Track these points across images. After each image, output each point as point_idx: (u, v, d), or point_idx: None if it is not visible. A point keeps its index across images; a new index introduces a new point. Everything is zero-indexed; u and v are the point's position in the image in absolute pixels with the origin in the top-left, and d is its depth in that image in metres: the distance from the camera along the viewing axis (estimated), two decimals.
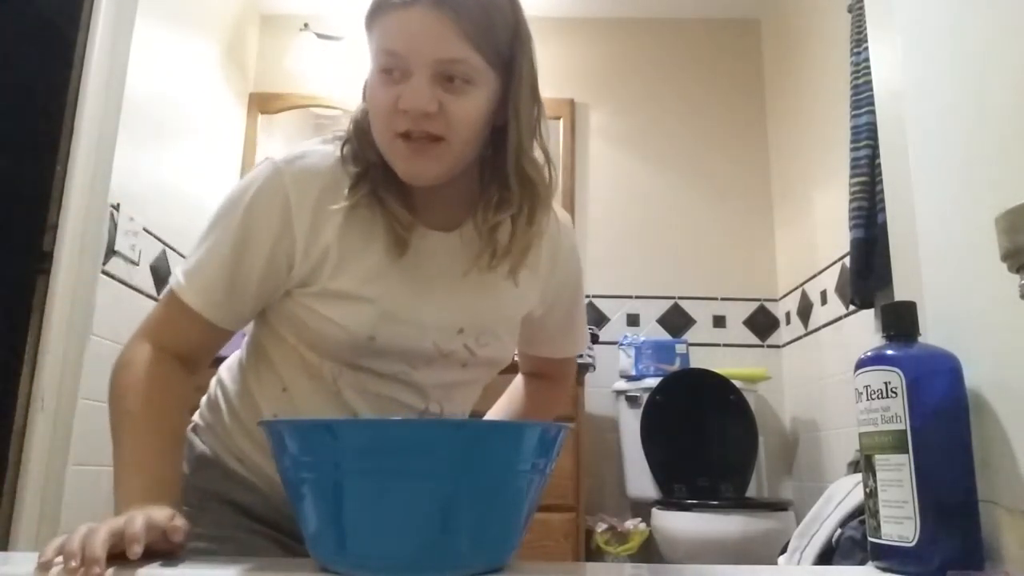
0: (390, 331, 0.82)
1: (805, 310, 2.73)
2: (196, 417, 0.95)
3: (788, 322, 2.92)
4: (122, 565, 0.58)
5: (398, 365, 0.85)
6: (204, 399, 0.96)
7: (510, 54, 0.83)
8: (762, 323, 3.01)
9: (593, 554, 2.42)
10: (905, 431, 0.64)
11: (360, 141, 0.84)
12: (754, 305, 3.03)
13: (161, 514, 0.63)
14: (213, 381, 0.96)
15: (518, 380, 1.13)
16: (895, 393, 0.65)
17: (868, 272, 1.95)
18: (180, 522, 0.64)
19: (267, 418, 0.84)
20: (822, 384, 2.58)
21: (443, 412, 0.90)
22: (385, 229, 0.82)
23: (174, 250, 2.33)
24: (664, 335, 2.95)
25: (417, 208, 0.84)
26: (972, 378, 0.68)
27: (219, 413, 0.91)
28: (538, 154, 0.85)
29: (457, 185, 0.85)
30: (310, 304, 0.82)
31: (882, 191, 1.39)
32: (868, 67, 1.87)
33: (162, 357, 0.80)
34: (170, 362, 0.80)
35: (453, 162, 0.80)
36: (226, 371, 0.94)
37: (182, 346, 0.82)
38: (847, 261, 2.11)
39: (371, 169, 0.82)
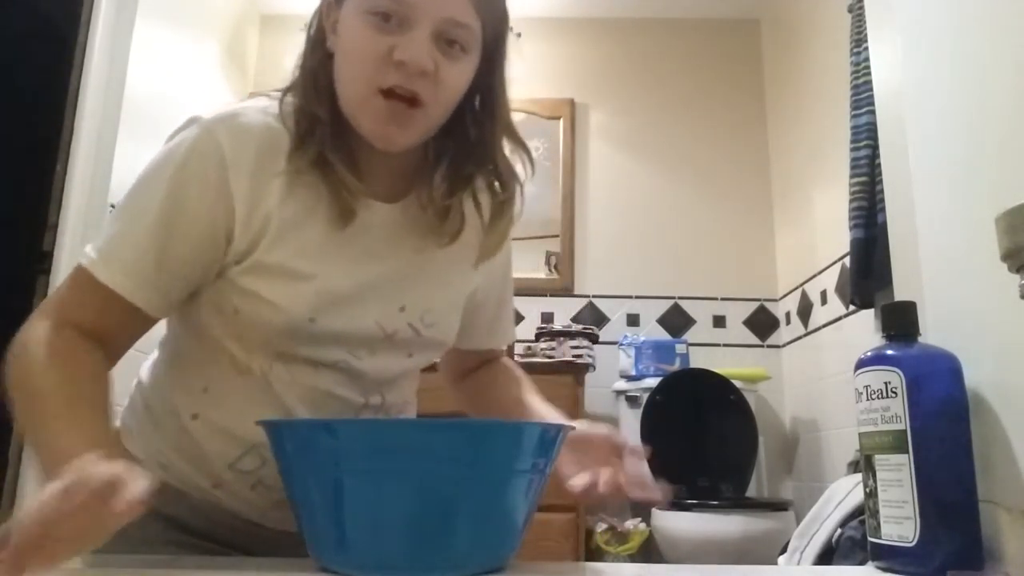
0: (331, 311, 0.75)
1: (805, 310, 2.73)
2: (119, 422, 0.85)
3: (788, 322, 2.92)
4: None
5: (338, 352, 0.78)
6: (126, 402, 0.86)
7: (498, 32, 0.78)
8: (762, 323, 3.01)
9: (593, 554, 2.42)
10: (905, 431, 0.64)
11: (308, 92, 0.75)
12: (754, 305, 3.03)
13: (111, 468, 0.48)
14: (134, 382, 0.86)
15: (472, 382, 1.00)
16: (895, 393, 0.65)
17: (868, 272, 1.96)
18: (138, 480, 0.47)
19: (185, 421, 0.78)
20: (822, 384, 2.58)
21: (384, 403, 0.83)
22: (331, 197, 0.74)
23: None
24: (664, 335, 2.95)
25: (361, 175, 0.77)
26: (972, 378, 0.68)
27: (139, 417, 0.83)
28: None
29: (406, 154, 0.79)
30: (243, 284, 0.73)
31: (882, 191, 1.39)
32: (868, 67, 1.87)
33: (65, 332, 0.68)
34: (76, 336, 0.69)
35: (425, 131, 0.76)
36: (144, 371, 0.85)
37: (92, 326, 0.70)
38: (847, 261, 2.11)
39: (318, 127, 0.74)
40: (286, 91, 0.77)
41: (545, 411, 0.89)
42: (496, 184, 0.84)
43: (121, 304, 0.70)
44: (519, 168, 0.85)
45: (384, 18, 0.70)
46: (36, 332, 0.68)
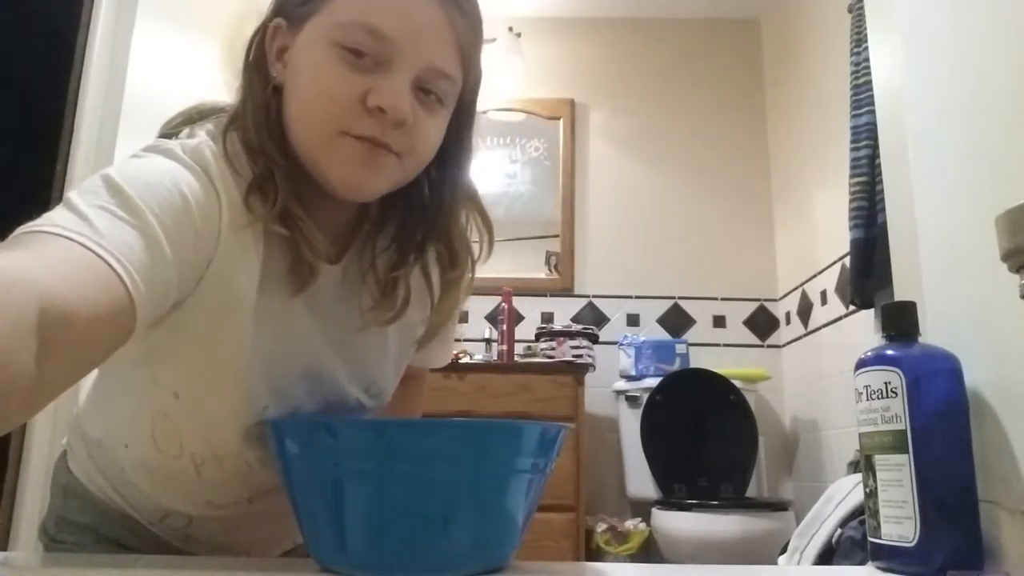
0: (284, 397, 0.67)
1: (805, 310, 2.73)
2: (64, 441, 0.80)
3: (788, 322, 2.93)
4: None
5: None
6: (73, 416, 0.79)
7: (474, 89, 0.70)
8: (762, 323, 3.01)
9: (593, 554, 2.42)
10: (905, 431, 0.64)
11: (261, 130, 0.63)
12: (754, 305, 3.03)
13: None
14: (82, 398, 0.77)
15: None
16: (895, 393, 0.65)
17: (868, 272, 1.96)
18: None
19: (115, 467, 0.72)
20: (822, 384, 2.58)
21: None
22: (291, 257, 0.63)
23: None
24: (664, 335, 2.95)
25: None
26: (972, 378, 0.68)
27: (79, 443, 0.76)
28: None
29: (349, 208, 0.70)
30: (183, 349, 0.62)
31: (882, 191, 1.39)
32: (868, 67, 1.88)
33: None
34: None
35: (396, 183, 0.66)
36: (83, 392, 0.78)
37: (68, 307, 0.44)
38: (847, 261, 2.11)
39: (276, 170, 0.62)
40: (228, 126, 0.64)
41: None
42: (447, 258, 0.74)
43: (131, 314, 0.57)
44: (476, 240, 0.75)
45: (357, 55, 0.60)
46: None
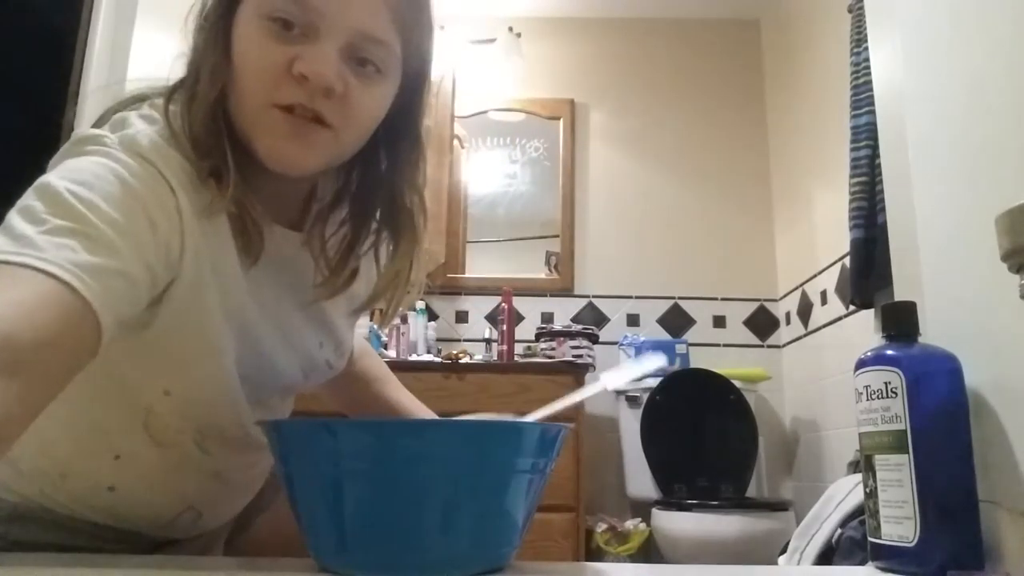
0: (266, 369, 0.68)
1: (805, 310, 2.74)
2: None
3: (788, 322, 2.93)
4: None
5: (261, 412, 0.71)
6: None
7: (421, 56, 0.68)
8: (762, 323, 3.01)
9: (593, 554, 2.42)
10: (905, 431, 0.64)
11: (204, 104, 0.62)
12: (754, 305, 3.03)
13: None
14: None
15: (348, 378, 0.93)
16: (895, 393, 0.65)
17: (868, 272, 1.96)
18: None
19: (100, 489, 0.68)
20: (822, 384, 2.58)
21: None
22: (233, 229, 0.62)
23: None
24: (664, 335, 2.95)
25: (260, 198, 0.64)
26: (972, 378, 0.68)
27: (42, 464, 0.67)
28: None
29: (302, 180, 0.70)
30: (168, 348, 0.62)
31: (882, 191, 1.39)
32: (868, 67, 1.88)
33: None
34: None
35: (334, 157, 0.65)
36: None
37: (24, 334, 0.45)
38: (847, 261, 2.11)
39: (223, 144, 0.62)
40: (170, 97, 0.65)
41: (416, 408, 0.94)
42: (392, 235, 0.73)
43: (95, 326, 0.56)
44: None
45: (285, 25, 0.60)
46: None
